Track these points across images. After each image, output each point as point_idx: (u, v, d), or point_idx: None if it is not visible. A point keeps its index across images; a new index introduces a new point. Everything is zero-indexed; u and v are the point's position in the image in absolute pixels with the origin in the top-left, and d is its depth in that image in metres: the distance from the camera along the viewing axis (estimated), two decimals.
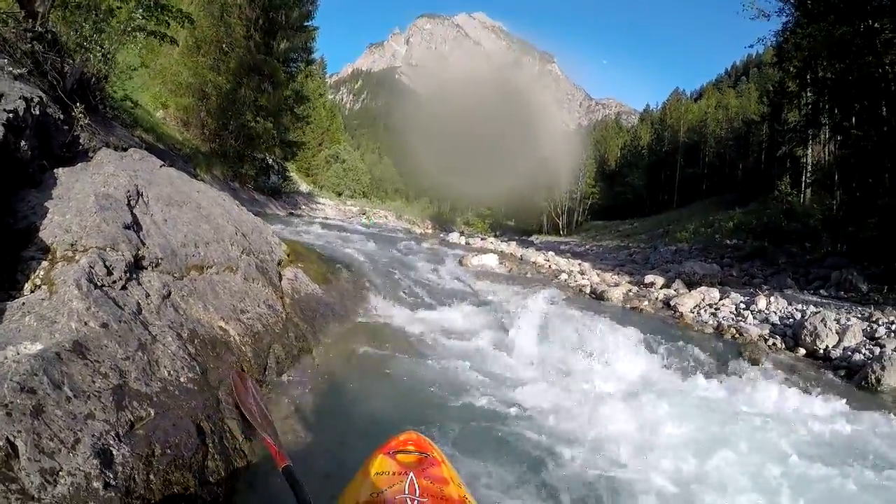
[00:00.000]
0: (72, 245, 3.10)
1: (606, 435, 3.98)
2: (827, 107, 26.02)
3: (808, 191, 30.28)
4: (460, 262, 14.01)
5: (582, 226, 71.88)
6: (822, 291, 12.88)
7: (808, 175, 30.50)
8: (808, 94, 28.61)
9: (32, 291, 2.72)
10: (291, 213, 31.46)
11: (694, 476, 3.48)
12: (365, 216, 50.88)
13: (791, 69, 28.48)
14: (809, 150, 32.00)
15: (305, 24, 36.22)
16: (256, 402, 2.63)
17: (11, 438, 1.75)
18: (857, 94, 19.96)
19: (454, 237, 29.76)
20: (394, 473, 1.91)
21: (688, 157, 67.41)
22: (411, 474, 1.85)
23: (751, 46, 29.23)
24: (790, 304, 9.65)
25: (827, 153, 29.37)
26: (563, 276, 14.10)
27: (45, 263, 2.93)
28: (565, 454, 3.61)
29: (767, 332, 8.15)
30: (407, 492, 1.74)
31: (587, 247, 40.59)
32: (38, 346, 2.23)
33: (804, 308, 9.16)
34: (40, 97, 4.13)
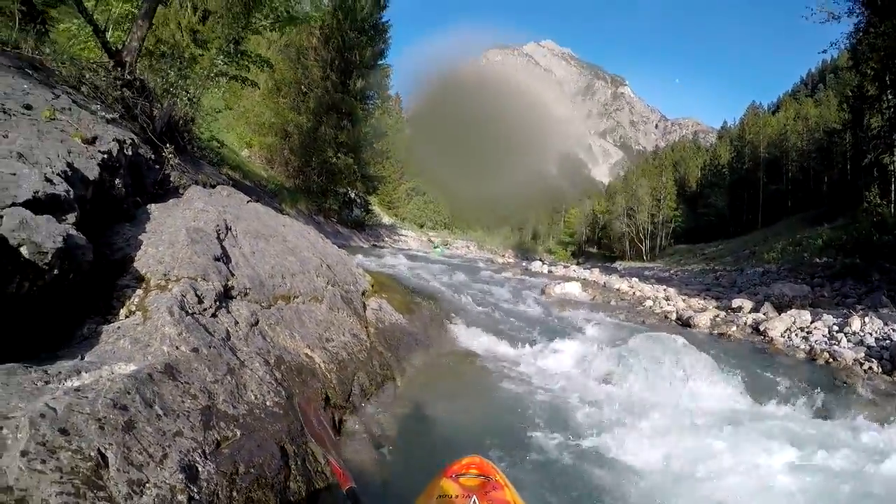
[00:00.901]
0: (164, 275, 3.23)
1: (691, 472, 3.80)
2: None
3: None
4: (542, 292, 13.88)
5: (665, 250, 70.22)
6: None
7: None
8: (890, 96, 27.24)
9: (127, 317, 2.84)
10: (375, 245, 31.94)
11: None
12: (437, 247, 47.85)
13: (868, 71, 27.31)
14: None
15: (379, 62, 37.18)
16: (323, 426, 2.67)
17: (103, 450, 1.82)
18: None
19: (536, 266, 29.50)
20: (456, 496, 1.89)
21: (770, 172, 64.86)
22: (474, 497, 1.83)
23: (824, 51, 28.07)
24: (886, 324, 8.98)
25: None
26: (648, 303, 13.73)
27: (139, 291, 3.06)
28: (640, 491, 3.48)
29: (863, 355, 7.59)
30: None
31: (672, 271, 39.49)
32: (132, 367, 2.32)
33: None
34: (132, 139, 4.36)
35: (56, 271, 2.28)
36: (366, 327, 5.42)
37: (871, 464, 4.08)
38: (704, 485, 3.57)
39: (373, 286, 6.82)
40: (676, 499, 3.38)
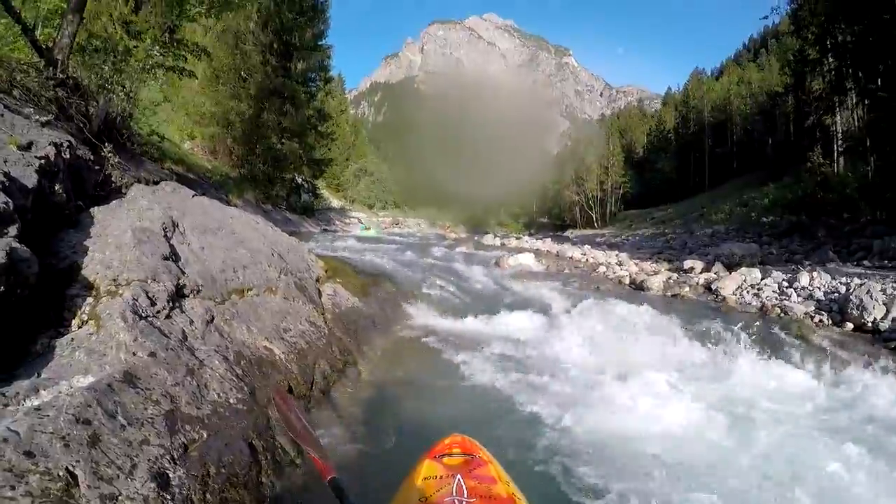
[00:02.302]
0: (114, 280, 3.17)
1: (655, 430, 3.89)
2: (850, 71, 25.50)
3: (841, 159, 29.52)
4: (497, 264, 14.01)
5: (616, 216, 71.06)
6: (865, 262, 12.49)
7: (840, 143, 29.79)
8: (830, 60, 27.90)
9: (80, 327, 2.79)
10: (325, 230, 31.78)
11: (755, 464, 3.41)
12: (364, 226, 41.77)
13: (809, 36, 28.03)
14: (838, 118, 31.08)
15: (319, 43, 36.67)
16: (298, 418, 2.66)
17: (71, 468, 1.80)
18: (880, 55, 19.57)
19: (489, 239, 29.81)
20: (441, 477, 1.91)
21: (715, 136, 66.31)
22: (458, 476, 1.85)
23: (765, 17, 28.95)
24: (834, 277, 9.33)
25: (856, 119, 28.69)
26: (602, 269, 14.00)
27: (89, 299, 3.00)
28: (612, 453, 3.52)
29: (813, 308, 7.92)
30: (455, 493, 1.74)
31: (623, 237, 40.18)
32: (90, 379, 2.29)
33: (848, 281, 8.84)
34: (69, 141, 4.23)
35: (2, 288, 2.22)
36: (322, 314, 5.40)
37: (829, 410, 4.28)
38: (671, 445, 3.65)
39: (326, 272, 6.79)
40: (645, 462, 3.44)
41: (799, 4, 25.42)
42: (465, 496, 1.73)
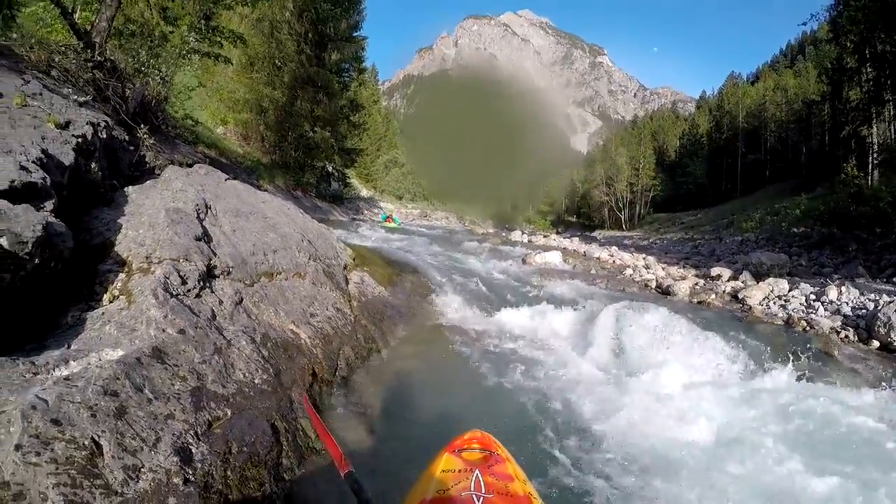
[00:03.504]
0: (146, 258, 3.21)
1: (675, 437, 3.87)
2: (889, 81, 24.96)
3: (876, 172, 28.91)
4: (524, 261, 13.94)
5: (645, 219, 70.42)
6: (895, 279, 12.26)
7: (875, 155, 29.17)
8: (869, 69, 27.33)
9: (111, 302, 2.83)
10: (354, 219, 31.76)
11: (769, 479, 3.37)
12: (385, 215, 35.37)
13: (848, 44, 27.56)
14: (874, 129, 30.46)
15: (354, 34, 36.61)
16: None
17: (96, 437, 1.83)
18: None
19: (516, 236, 29.64)
20: (459, 471, 1.90)
21: (749, 143, 65.00)
22: (477, 471, 1.84)
23: (804, 24, 28.26)
24: (862, 293, 9.07)
25: (893, 130, 28.11)
26: (628, 272, 13.83)
27: (121, 275, 3.04)
28: (631, 456, 3.51)
29: (839, 324, 7.67)
30: (473, 489, 1.74)
31: (651, 240, 39.85)
32: (120, 353, 2.33)
33: (877, 297, 8.59)
34: (106, 121, 4.30)
35: (37, 260, 2.25)
36: (349, 301, 5.43)
37: (851, 429, 4.17)
38: (692, 453, 3.62)
39: (354, 260, 6.82)
40: (667, 468, 3.42)
41: (838, 12, 24.94)
42: (483, 492, 1.73)
